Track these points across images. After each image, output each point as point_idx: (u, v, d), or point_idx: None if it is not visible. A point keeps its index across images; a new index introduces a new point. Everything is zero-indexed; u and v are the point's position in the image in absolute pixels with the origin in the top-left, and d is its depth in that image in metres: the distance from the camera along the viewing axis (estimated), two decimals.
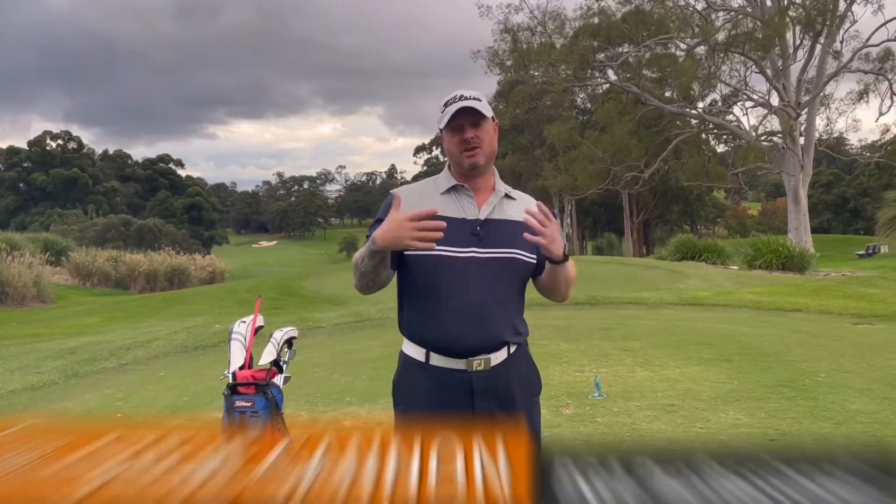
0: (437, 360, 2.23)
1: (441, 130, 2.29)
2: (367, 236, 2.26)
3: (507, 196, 2.34)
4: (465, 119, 2.22)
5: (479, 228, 2.24)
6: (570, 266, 2.27)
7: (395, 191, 2.26)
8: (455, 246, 2.20)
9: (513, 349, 2.29)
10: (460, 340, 2.20)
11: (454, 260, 2.20)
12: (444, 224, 2.03)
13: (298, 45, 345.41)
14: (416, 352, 2.27)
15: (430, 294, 2.20)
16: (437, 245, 2.13)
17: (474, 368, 2.21)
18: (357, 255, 2.26)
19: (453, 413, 2.22)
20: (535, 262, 2.27)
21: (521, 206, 2.30)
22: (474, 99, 2.23)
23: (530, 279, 2.35)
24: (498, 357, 2.24)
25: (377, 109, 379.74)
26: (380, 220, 2.24)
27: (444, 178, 2.33)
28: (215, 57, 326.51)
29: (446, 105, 2.23)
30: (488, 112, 2.25)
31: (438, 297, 2.19)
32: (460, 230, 2.23)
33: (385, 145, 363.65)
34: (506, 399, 2.25)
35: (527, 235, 2.10)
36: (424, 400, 2.26)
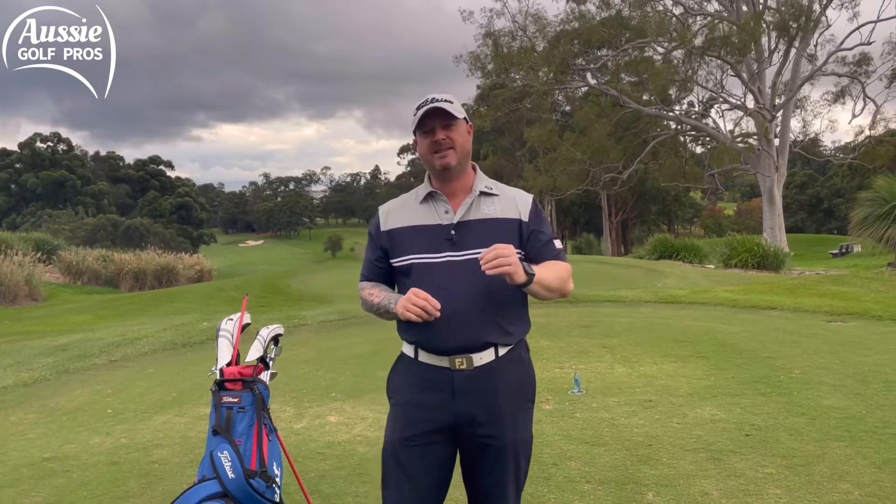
0: (424, 356, 2.30)
1: (415, 135, 2.32)
2: (366, 258, 2.45)
3: (485, 193, 2.35)
4: (436, 121, 2.25)
5: (452, 233, 2.27)
6: (546, 275, 2.23)
7: (381, 207, 2.44)
8: (431, 252, 2.27)
9: (502, 351, 2.29)
10: (441, 339, 2.24)
11: (431, 265, 2.25)
12: (437, 305, 2.14)
13: (274, 51, 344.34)
14: (408, 349, 2.36)
15: None
16: (415, 253, 2.27)
17: (456, 367, 2.25)
18: (374, 300, 2.33)
19: (435, 410, 2.28)
20: (520, 255, 2.22)
21: (501, 202, 2.35)
22: (445, 101, 2.25)
23: None
24: (482, 358, 2.26)
25: (354, 113, 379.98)
26: (371, 236, 2.42)
27: (423, 188, 2.38)
28: (194, 63, 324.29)
29: (418, 109, 2.26)
30: (459, 113, 2.27)
31: None
32: (436, 236, 2.28)
33: (367, 147, 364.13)
34: (489, 402, 2.27)
35: (488, 271, 2.10)
36: (409, 393, 2.34)
